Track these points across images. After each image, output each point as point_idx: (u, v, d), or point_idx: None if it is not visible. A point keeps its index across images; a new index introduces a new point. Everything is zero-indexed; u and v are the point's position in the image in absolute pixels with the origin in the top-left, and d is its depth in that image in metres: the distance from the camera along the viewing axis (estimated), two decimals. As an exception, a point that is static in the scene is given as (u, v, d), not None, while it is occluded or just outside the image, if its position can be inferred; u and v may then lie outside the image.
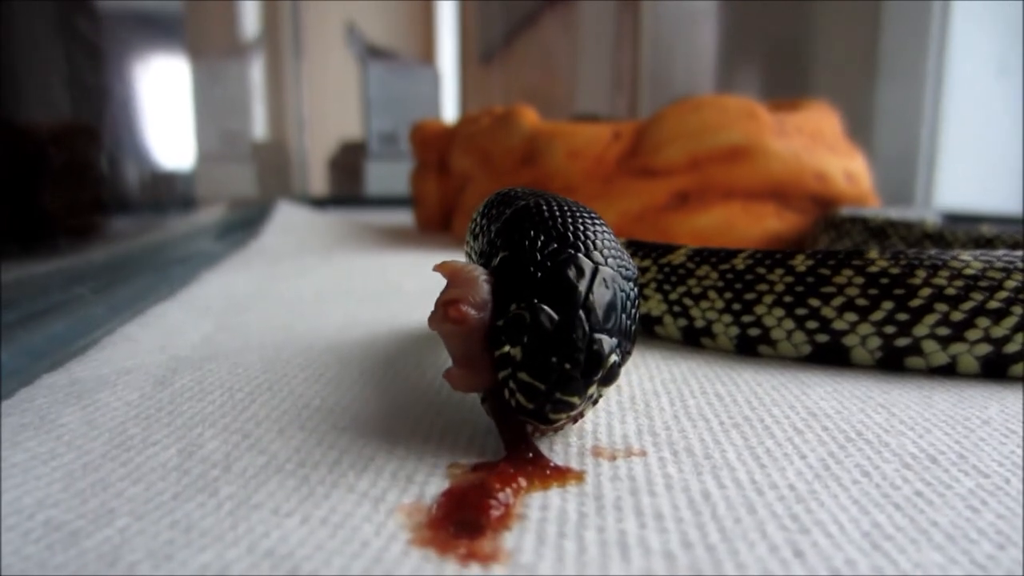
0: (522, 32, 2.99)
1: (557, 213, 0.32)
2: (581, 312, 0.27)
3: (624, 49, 2.24)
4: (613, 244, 0.32)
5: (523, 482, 0.25)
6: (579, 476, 0.26)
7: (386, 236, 1.24)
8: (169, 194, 1.15)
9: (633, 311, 0.30)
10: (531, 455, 0.27)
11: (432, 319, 0.28)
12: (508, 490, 0.25)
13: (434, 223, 1.26)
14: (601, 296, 0.28)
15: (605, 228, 0.33)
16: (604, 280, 0.29)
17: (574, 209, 0.33)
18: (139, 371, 0.39)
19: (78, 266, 0.57)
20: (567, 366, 0.26)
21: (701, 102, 0.90)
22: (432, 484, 0.25)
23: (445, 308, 0.27)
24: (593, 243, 0.31)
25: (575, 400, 0.26)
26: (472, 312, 0.27)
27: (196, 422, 0.31)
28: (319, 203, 2.03)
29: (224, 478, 0.26)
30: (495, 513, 0.23)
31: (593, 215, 0.33)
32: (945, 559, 0.21)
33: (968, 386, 0.37)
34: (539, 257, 0.29)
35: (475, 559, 0.20)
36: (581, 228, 0.31)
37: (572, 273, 0.28)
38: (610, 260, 0.30)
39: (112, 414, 0.32)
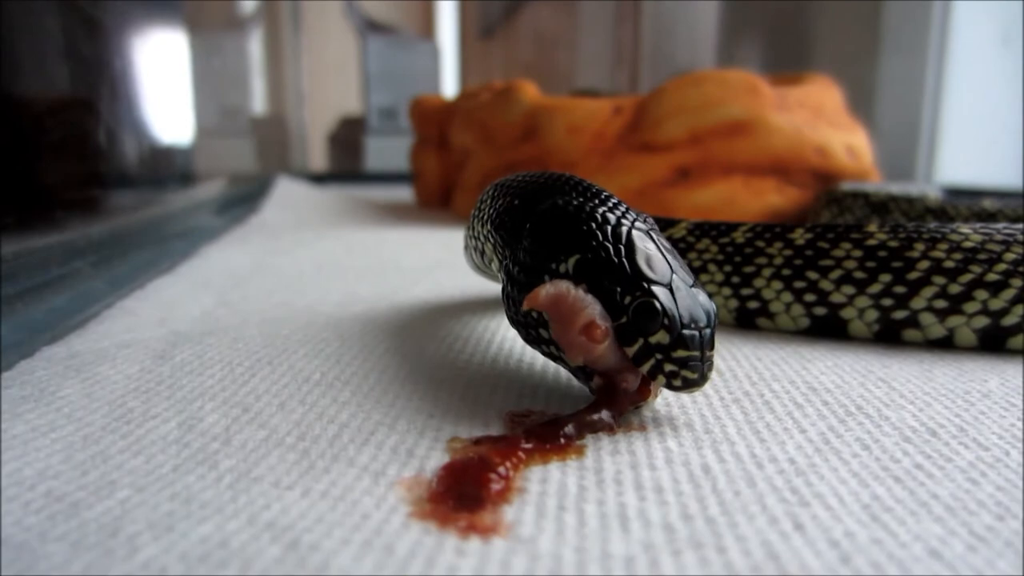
0: (522, 7, 2.96)
1: (587, 194, 0.34)
2: (676, 278, 0.28)
3: (625, 24, 2.22)
4: (634, 209, 0.33)
5: (523, 456, 0.25)
6: (579, 451, 0.26)
7: (386, 212, 1.23)
8: (168, 169, 1.15)
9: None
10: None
11: (586, 354, 0.27)
12: (508, 464, 0.25)
13: (434, 199, 1.26)
14: (674, 257, 0.29)
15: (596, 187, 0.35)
16: (662, 242, 0.30)
17: (590, 186, 0.35)
18: (139, 345, 0.39)
19: (77, 240, 0.57)
20: (703, 327, 0.27)
21: (702, 77, 0.89)
22: (432, 458, 0.25)
23: (589, 333, 0.27)
24: (627, 210, 0.32)
25: (712, 354, 0.28)
26: (607, 326, 0.27)
27: (196, 396, 0.31)
28: (318, 178, 2.02)
29: (224, 451, 0.26)
30: (495, 487, 0.23)
31: (596, 186, 0.35)
32: (944, 531, 0.21)
33: (968, 359, 0.37)
34: (610, 245, 0.29)
35: (475, 532, 0.20)
36: (612, 201, 0.32)
37: (644, 247, 0.29)
38: (647, 221, 0.31)
39: (112, 387, 0.32)
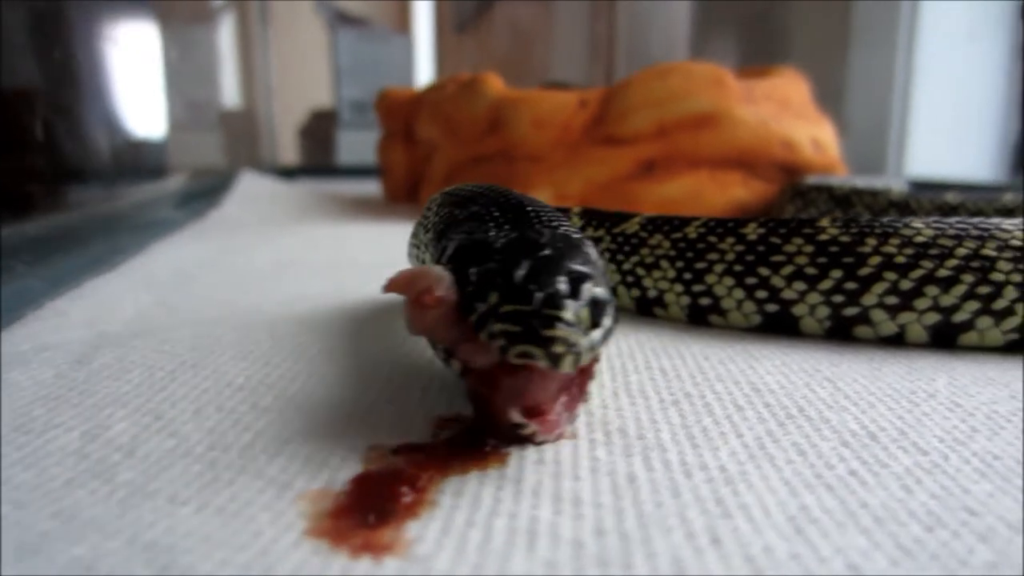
0: (498, 2, 2.94)
1: (500, 199, 0.33)
2: (549, 252, 0.26)
3: (600, 18, 2.21)
4: (558, 215, 0.32)
5: (441, 466, 0.24)
6: (501, 459, 0.25)
7: (352, 206, 1.21)
8: (129, 163, 1.12)
9: (600, 265, 0.29)
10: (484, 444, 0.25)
11: (414, 322, 0.26)
12: (425, 475, 0.23)
13: (401, 193, 1.24)
14: (567, 248, 0.27)
15: (549, 208, 0.33)
16: (561, 239, 0.28)
17: (523, 199, 0.34)
18: (60, 348, 0.37)
19: (10, 238, 0.55)
20: (551, 291, 0.24)
21: (668, 69, 0.88)
22: (346, 469, 0.24)
23: (420, 299, 0.25)
24: (540, 219, 0.30)
25: (563, 314, 0.23)
26: (446, 294, 0.25)
27: (108, 402, 0.30)
28: (289, 172, 2.00)
29: (125, 463, 0.24)
30: (405, 500, 0.22)
31: (531, 198, 0.34)
32: (869, 543, 0.19)
33: (920, 357, 0.36)
34: (494, 231, 0.28)
35: (368, 551, 0.19)
36: (528, 208, 0.32)
37: (531, 235, 0.28)
38: (555, 224, 0.30)
39: (20, 394, 0.30)
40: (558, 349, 0.23)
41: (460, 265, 0.26)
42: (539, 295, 0.24)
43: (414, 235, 0.42)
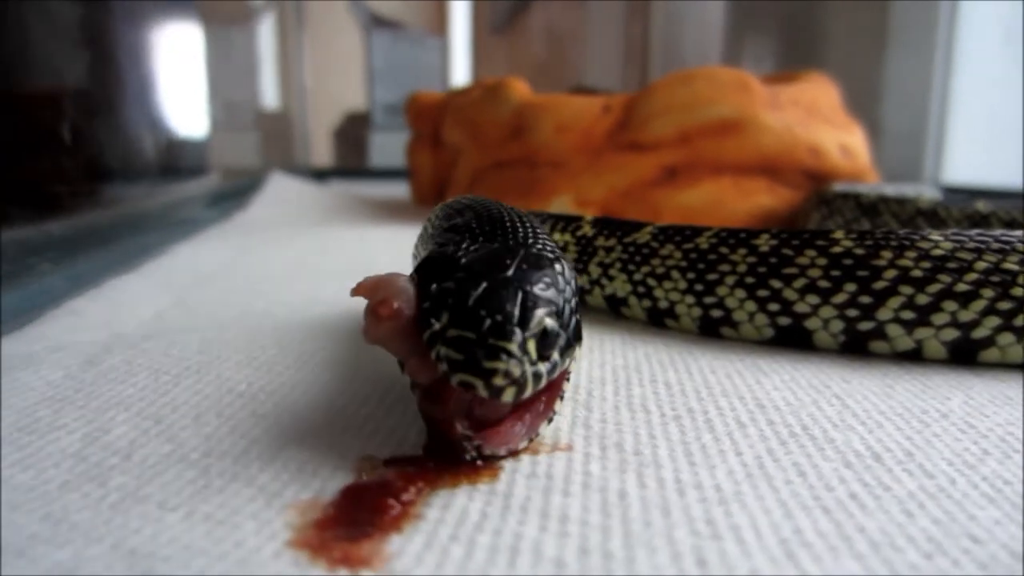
0: (533, 4, 2.94)
1: (484, 213, 0.33)
2: (510, 273, 0.26)
3: (635, 20, 2.20)
4: (540, 232, 0.31)
5: (431, 479, 0.24)
6: (493, 473, 0.24)
7: (378, 209, 1.22)
8: (172, 162, 1.13)
9: (568, 288, 0.28)
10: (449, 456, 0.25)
11: (367, 331, 0.26)
12: (412, 488, 0.23)
13: (428, 196, 1.24)
14: (532, 270, 0.26)
15: (533, 223, 0.33)
16: (529, 258, 0.27)
17: (501, 209, 0.34)
18: (72, 348, 0.37)
19: (35, 237, 0.56)
20: (502, 320, 0.24)
21: (692, 74, 0.87)
22: (337, 479, 0.24)
23: (376, 310, 0.25)
24: (516, 235, 0.30)
25: (508, 346, 0.23)
26: (404, 307, 0.25)
27: (112, 405, 0.30)
28: (321, 174, 2.01)
29: (121, 467, 0.25)
30: (392, 513, 0.22)
31: (521, 213, 0.34)
32: (862, 569, 0.19)
33: (937, 374, 0.35)
34: (465, 246, 0.28)
35: (346, 564, 0.19)
36: (508, 223, 0.31)
37: (499, 252, 0.27)
38: (531, 242, 0.30)
39: (28, 394, 0.31)
40: (499, 382, 0.23)
41: (424, 279, 0.26)
42: (487, 322, 0.23)
43: (415, 246, 0.42)
